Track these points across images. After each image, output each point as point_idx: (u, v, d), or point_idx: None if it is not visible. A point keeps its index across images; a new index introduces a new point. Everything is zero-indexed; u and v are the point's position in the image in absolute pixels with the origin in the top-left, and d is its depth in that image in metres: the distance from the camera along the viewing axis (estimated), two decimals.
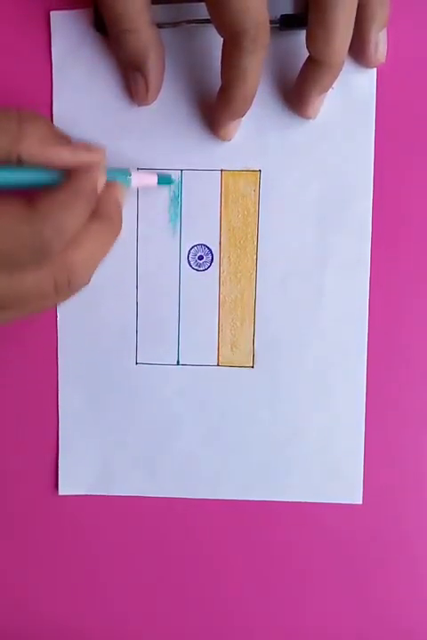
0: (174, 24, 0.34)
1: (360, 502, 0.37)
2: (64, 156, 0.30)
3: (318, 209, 0.35)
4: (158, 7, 0.33)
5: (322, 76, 0.32)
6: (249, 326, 0.36)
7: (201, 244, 0.36)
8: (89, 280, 0.31)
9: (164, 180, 0.35)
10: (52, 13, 0.35)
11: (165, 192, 0.36)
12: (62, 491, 0.37)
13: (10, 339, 0.37)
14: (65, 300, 0.32)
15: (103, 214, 0.31)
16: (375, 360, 0.36)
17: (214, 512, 0.37)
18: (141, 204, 0.36)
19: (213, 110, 0.34)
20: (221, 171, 0.36)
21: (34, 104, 0.35)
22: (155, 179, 0.35)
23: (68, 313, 0.36)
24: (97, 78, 0.35)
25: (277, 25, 0.33)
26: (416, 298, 0.36)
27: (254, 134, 0.35)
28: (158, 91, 0.35)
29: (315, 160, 0.35)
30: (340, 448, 0.36)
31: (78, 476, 0.37)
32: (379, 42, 0.33)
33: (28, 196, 0.29)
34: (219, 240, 0.36)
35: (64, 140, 0.31)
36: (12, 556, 0.38)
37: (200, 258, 0.36)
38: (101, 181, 0.31)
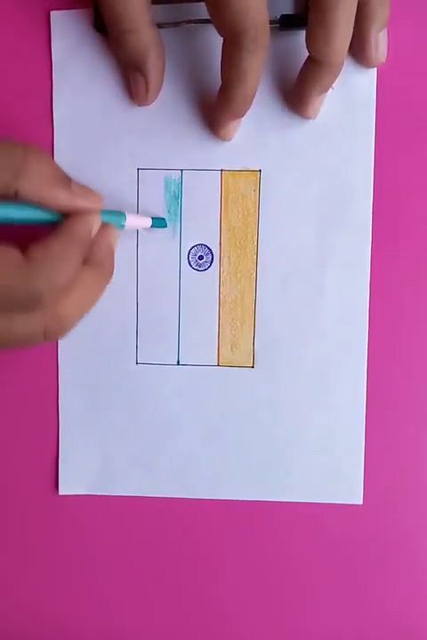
0: (174, 24, 0.34)
1: (361, 503, 0.37)
2: (60, 199, 0.30)
3: (318, 209, 0.35)
4: (158, 7, 0.33)
5: (322, 76, 0.32)
6: (249, 326, 0.36)
7: (201, 244, 0.36)
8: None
9: (158, 222, 0.35)
10: (52, 13, 0.35)
11: (165, 192, 0.36)
12: (62, 491, 0.37)
13: None
14: (54, 340, 0.34)
15: (95, 260, 0.32)
16: (375, 360, 0.36)
17: (214, 512, 0.37)
18: (141, 204, 0.36)
19: (213, 110, 0.34)
20: (221, 171, 0.35)
21: (34, 104, 0.35)
22: (149, 222, 0.35)
23: None
24: (97, 78, 0.35)
25: (278, 25, 0.33)
26: (416, 298, 0.36)
27: (254, 134, 0.35)
28: (158, 91, 0.35)
29: (315, 160, 0.35)
30: (340, 448, 0.36)
31: (78, 475, 0.37)
32: (379, 42, 0.33)
33: (23, 242, 0.29)
34: (219, 240, 0.36)
35: (65, 181, 0.31)
36: (12, 556, 0.38)
37: (200, 258, 0.36)
38: (96, 227, 0.31)
